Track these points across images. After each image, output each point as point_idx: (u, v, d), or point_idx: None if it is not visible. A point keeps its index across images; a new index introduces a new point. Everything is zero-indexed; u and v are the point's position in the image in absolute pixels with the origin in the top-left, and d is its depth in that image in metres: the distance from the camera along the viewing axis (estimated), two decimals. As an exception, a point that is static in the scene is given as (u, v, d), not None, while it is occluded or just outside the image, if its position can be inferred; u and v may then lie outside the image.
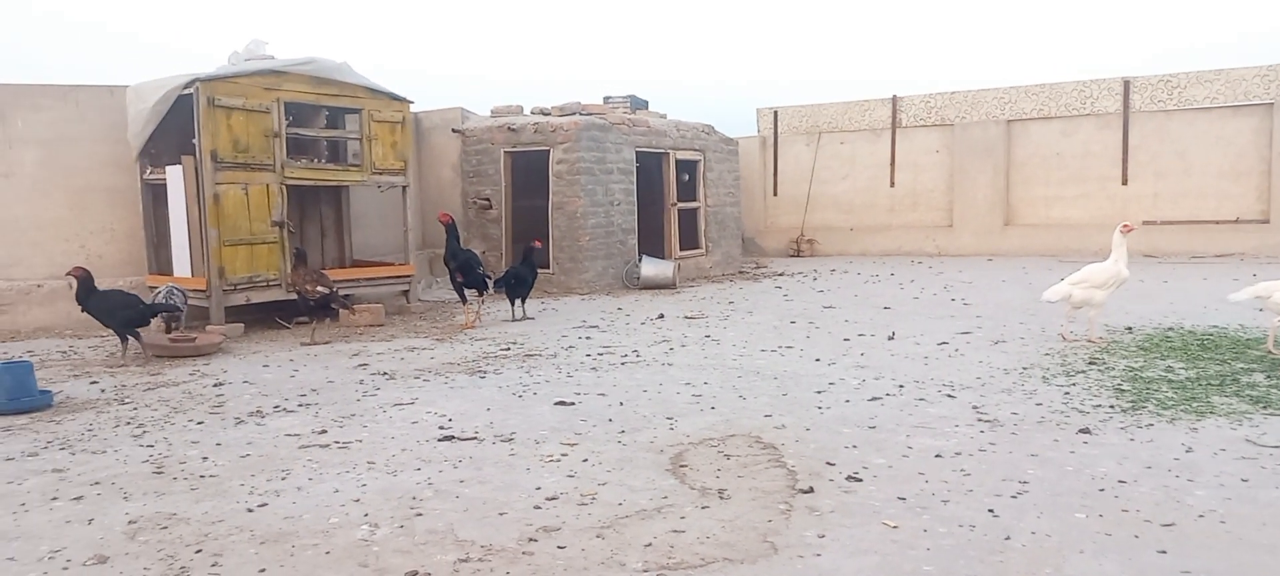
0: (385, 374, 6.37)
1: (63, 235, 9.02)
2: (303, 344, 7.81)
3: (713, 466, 4.02)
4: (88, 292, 6.96)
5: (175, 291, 7.79)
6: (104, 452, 4.42)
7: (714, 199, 14.02)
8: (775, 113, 17.69)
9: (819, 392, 5.44)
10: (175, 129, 8.62)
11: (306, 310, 8.19)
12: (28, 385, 5.35)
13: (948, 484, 3.70)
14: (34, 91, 9.05)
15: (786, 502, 3.52)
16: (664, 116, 13.63)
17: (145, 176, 9.01)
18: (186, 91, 8.22)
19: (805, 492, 3.61)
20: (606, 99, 13.61)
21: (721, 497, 3.59)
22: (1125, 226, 6.90)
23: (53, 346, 7.95)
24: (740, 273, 14.05)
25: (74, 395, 5.83)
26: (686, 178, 13.54)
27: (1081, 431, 4.41)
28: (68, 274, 7.03)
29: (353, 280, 9.35)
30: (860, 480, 3.76)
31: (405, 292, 9.99)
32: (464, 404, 5.36)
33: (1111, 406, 4.90)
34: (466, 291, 8.67)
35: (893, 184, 16.73)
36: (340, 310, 8.27)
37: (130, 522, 3.42)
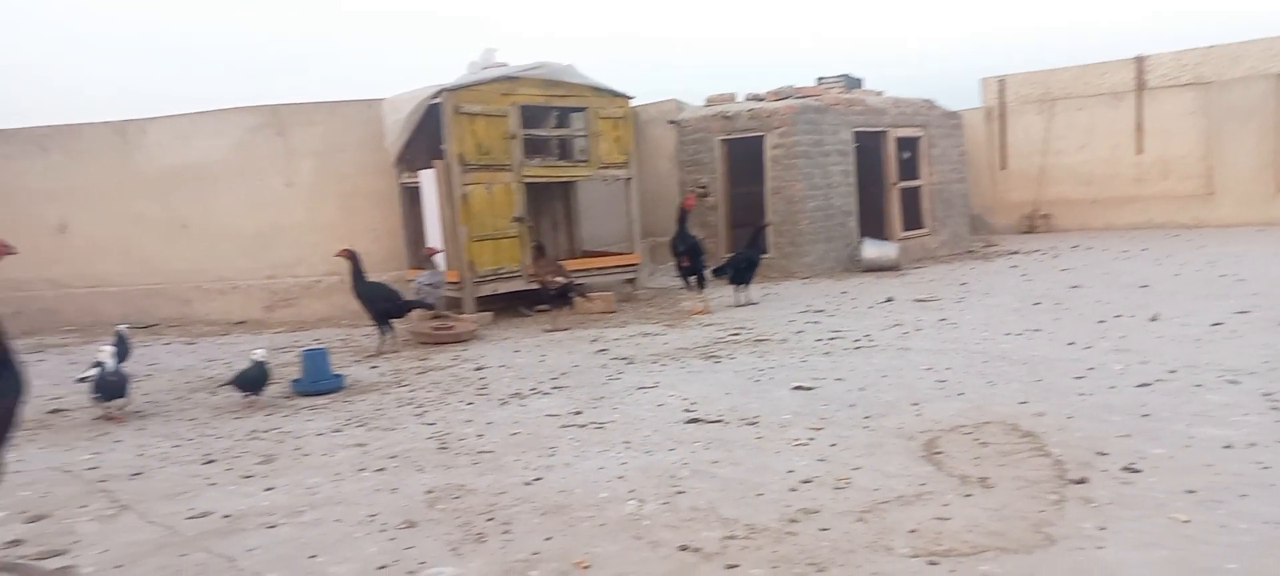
0: (625, 358, 6.67)
1: (336, 236, 10.08)
2: (545, 331, 8.33)
3: (969, 454, 3.92)
4: (359, 276, 7.68)
5: (426, 285, 8.49)
6: (394, 429, 4.96)
7: (938, 176, 13.47)
8: (1001, 82, 16.67)
9: (1078, 378, 5.14)
10: (425, 136, 9.43)
11: (546, 299, 8.72)
12: (325, 369, 6.09)
13: (1243, 477, 3.40)
14: (308, 108, 10.20)
15: (1057, 493, 3.38)
16: (881, 94, 13.25)
17: (402, 180, 9.91)
18: (435, 101, 8.98)
19: (1077, 483, 3.45)
20: (820, 80, 13.41)
21: (984, 486, 3.51)
22: None
23: (333, 335, 8.95)
24: (969, 252, 13.41)
25: (359, 378, 6.55)
26: (907, 155, 13.09)
27: (1404, 422, 3.91)
28: (337, 254, 7.81)
29: (585, 270, 9.83)
30: (1138, 471, 3.54)
31: (631, 280, 10.38)
32: (704, 387, 5.52)
33: None
34: (690, 277, 8.86)
35: (1140, 151, 15.30)
36: (576, 298, 8.74)
37: (428, 492, 3.83)
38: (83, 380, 7.00)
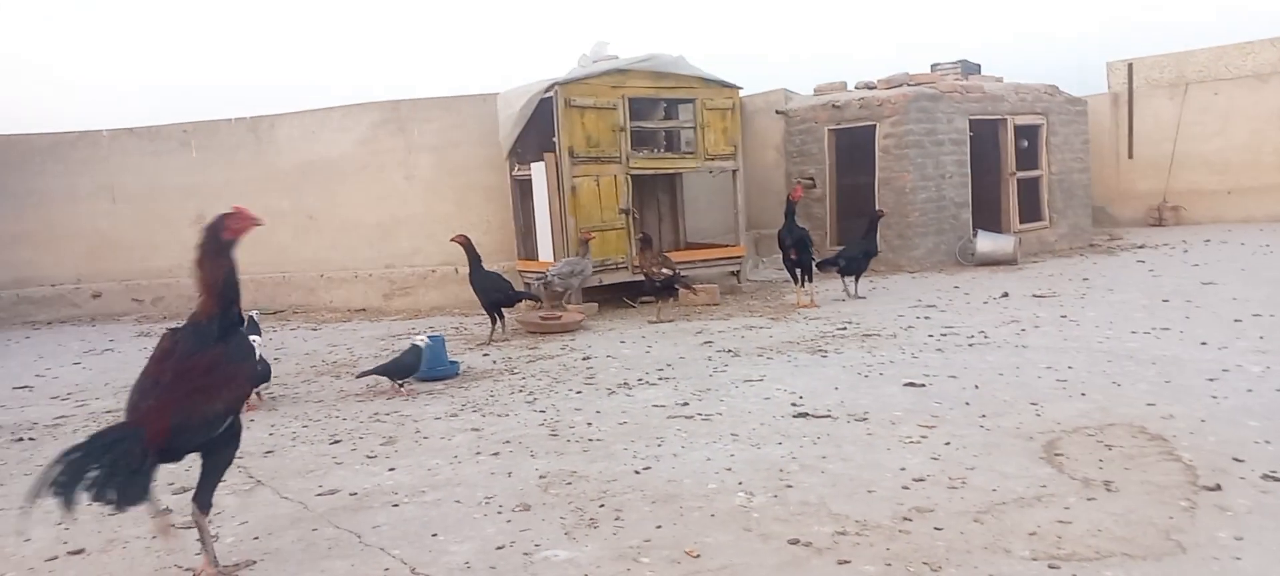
0: (730, 351, 6.68)
1: (451, 228, 10.36)
2: (650, 322, 8.41)
3: (1093, 456, 3.78)
4: (476, 264, 7.92)
5: (562, 273, 8.64)
6: (507, 415, 5.11)
7: (1058, 165, 12.91)
8: (1130, 65, 15.83)
9: (1211, 380, 4.87)
10: (536, 129, 9.63)
11: (652, 290, 8.80)
12: (442, 356, 6.32)
13: (1401, 490, 3.17)
14: (426, 104, 10.57)
15: (1188, 499, 3.23)
16: (999, 80, 12.77)
17: (513, 173, 10.16)
18: (546, 95, 9.16)
19: (1211, 490, 3.29)
20: (934, 66, 13.04)
21: (1108, 489, 3.38)
22: None
23: (447, 322, 9.26)
24: (1091, 245, 12.82)
25: (472, 365, 6.77)
26: (1026, 144, 12.59)
27: None
28: (453, 239, 8.06)
29: (689, 262, 9.86)
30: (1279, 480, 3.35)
31: (736, 273, 10.35)
32: (811, 381, 5.48)
33: None
34: (798, 270, 8.78)
35: (1285, 137, 14.28)
36: (681, 289, 8.78)
37: (541, 477, 3.95)
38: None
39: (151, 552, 3.36)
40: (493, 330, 7.93)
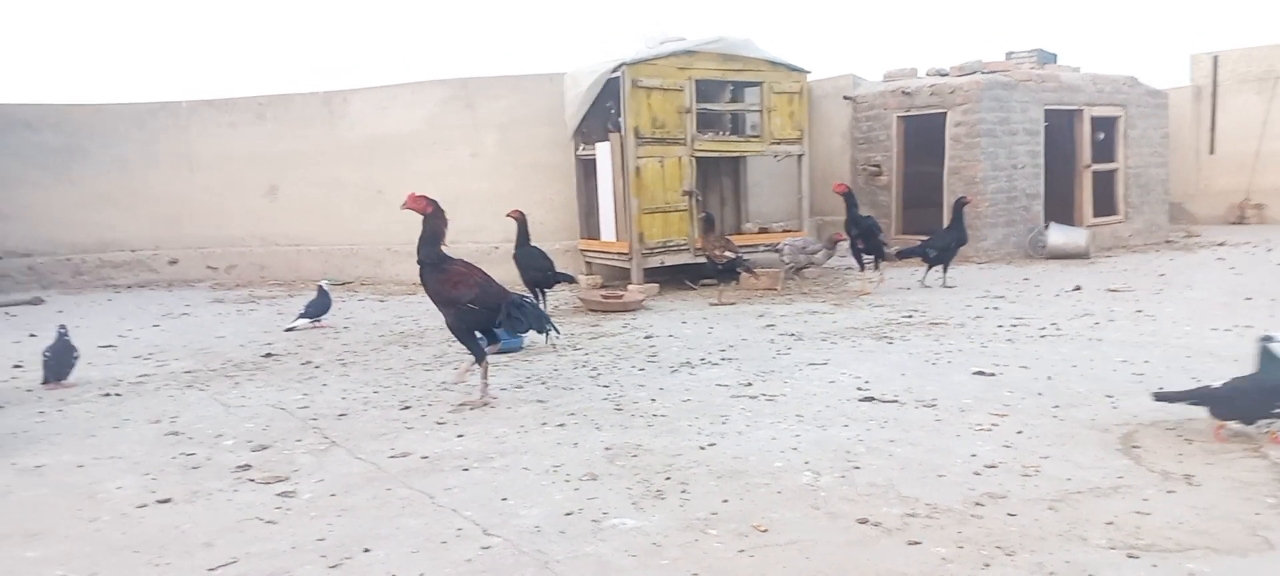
0: (793, 334, 6.64)
1: (513, 205, 10.51)
2: (711, 304, 8.39)
3: (1172, 450, 3.68)
4: (523, 239, 7.94)
5: (799, 250, 9.03)
6: (571, 389, 5.17)
7: (1136, 159, 12.51)
8: (1215, 58, 15.23)
9: (1299, 379, 4.69)
10: (600, 109, 9.66)
11: (714, 273, 8.77)
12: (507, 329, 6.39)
13: None
14: (493, 82, 10.68)
15: (1276, 497, 3.12)
16: (1077, 70, 12.41)
17: (578, 152, 10.21)
18: (614, 75, 9.18)
19: (1300, 488, 3.18)
20: (1009, 55, 12.70)
21: (1189, 483, 3.29)
22: None
23: (509, 299, 9.36)
24: (1167, 242, 12.42)
25: (535, 340, 6.83)
26: (1102, 136, 12.22)
27: None
28: (508, 214, 8.12)
29: (751, 245, 9.81)
30: (1375, 482, 3.22)
31: (799, 258, 10.26)
32: (877, 367, 5.43)
33: None
34: (866, 258, 8.67)
35: (1381, 135, 13.62)
36: (742, 273, 8.75)
37: (607, 449, 3.99)
38: (291, 329, 7.70)
39: (232, 504, 3.48)
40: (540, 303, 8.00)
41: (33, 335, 7.61)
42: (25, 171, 11.19)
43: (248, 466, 3.94)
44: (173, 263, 11.67)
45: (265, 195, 11.54)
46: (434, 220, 4.88)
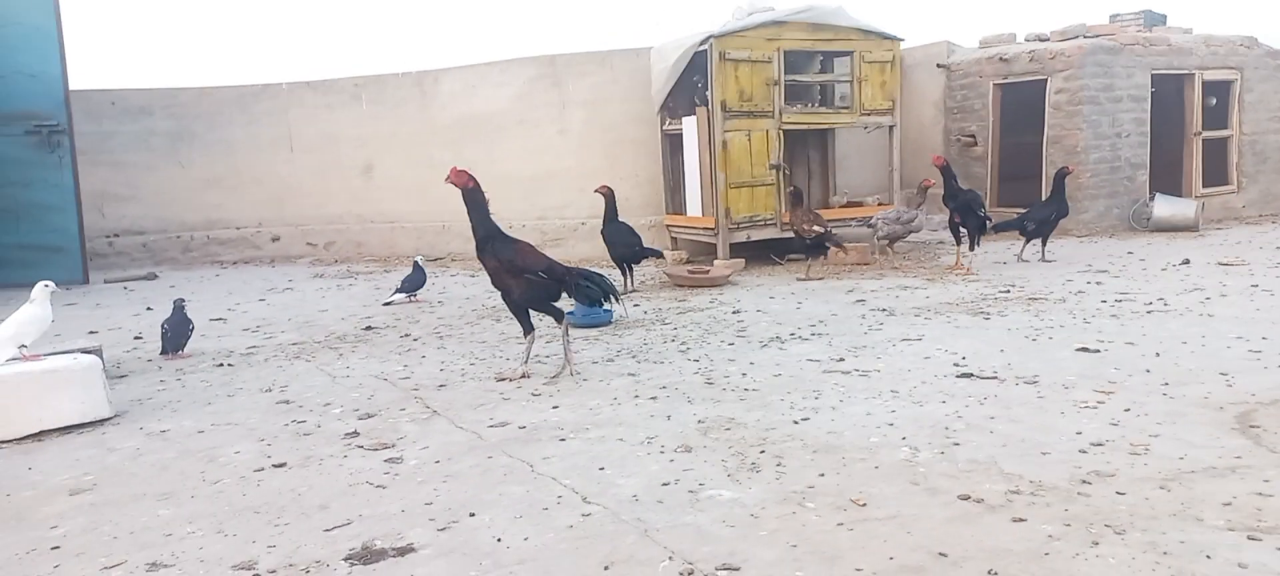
0: (884, 310, 6.54)
1: (600, 181, 10.61)
2: (799, 279, 8.32)
3: (1295, 430, 3.51)
4: (612, 214, 8.00)
5: (892, 221, 9.04)
6: (662, 363, 5.21)
7: (1251, 125, 11.83)
8: (1341, 15, 14.25)
9: None
10: (686, 84, 9.63)
11: (801, 248, 8.70)
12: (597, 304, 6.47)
13: None
14: (581, 59, 10.75)
15: None
16: (1188, 31, 11.78)
17: (664, 128, 10.21)
18: (701, 48, 9.13)
19: None
20: (1114, 17, 12.16)
21: (1315, 466, 3.14)
22: None
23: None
24: (1285, 213, 11.75)
25: (623, 315, 6.92)
26: (1214, 101, 11.60)
27: None
28: (597, 190, 8.19)
29: (840, 220, 9.68)
30: None
31: (889, 232, 10.06)
32: (974, 343, 5.31)
33: None
34: (965, 231, 8.43)
35: None
36: (831, 248, 8.63)
37: (699, 422, 4.02)
38: (389, 303, 7.96)
39: (343, 469, 3.63)
40: (623, 283, 8.07)
41: (149, 308, 8.04)
42: (141, 155, 11.79)
43: (356, 433, 4.10)
44: (275, 239, 12.15)
45: (361, 174, 11.90)
46: (479, 193, 4.94)
